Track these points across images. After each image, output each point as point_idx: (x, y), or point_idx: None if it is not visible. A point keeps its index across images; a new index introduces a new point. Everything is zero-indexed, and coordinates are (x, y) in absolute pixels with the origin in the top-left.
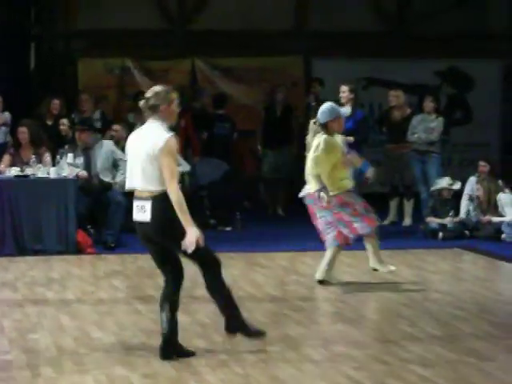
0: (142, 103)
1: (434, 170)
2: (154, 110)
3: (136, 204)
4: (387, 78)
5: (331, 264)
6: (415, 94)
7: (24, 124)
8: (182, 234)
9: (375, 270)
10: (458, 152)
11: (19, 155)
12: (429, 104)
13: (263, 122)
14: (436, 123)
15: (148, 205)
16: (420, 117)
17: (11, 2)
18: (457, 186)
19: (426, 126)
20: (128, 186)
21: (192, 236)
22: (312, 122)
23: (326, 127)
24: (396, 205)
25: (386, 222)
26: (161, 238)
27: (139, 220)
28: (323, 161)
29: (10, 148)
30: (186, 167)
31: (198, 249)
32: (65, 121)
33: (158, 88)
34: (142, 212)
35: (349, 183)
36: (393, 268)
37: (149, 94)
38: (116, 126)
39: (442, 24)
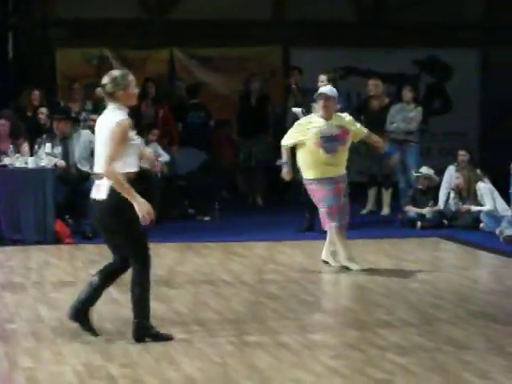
0: (99, 90)
1: (412, 159)
2: (111, 96)
3: (95, 184)
4: (365, 67)
5: (336, 245)
6: (393, 83)
7: (4, 116)
8: (132, 219)
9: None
10: (437, 141)
11: None
12: (407, 93)
13: (238, 111)
14: (415, 113)
15: (104, 184)
16: (399, 106)
17: None
18: (435, 179)
19: (405, 116)
20: (94, 169)
21: (142, 207)
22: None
23: None
24: (374, 194)
25: (364, 211)
26: (112, 219)
27: (94, 198)
28: None
29: None
30: (165, 157)
31: (137, 244)
32: (43, 110)
33: (113, 73)
34: (98, 191)
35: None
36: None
37: (105, 80)
38: (93, 116)
39: (419, 13)
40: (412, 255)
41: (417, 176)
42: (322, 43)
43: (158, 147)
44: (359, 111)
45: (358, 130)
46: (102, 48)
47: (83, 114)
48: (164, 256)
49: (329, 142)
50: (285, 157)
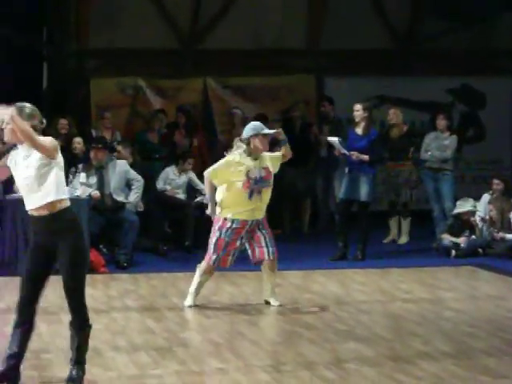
0: None
1: (447, 187)
2: None
3: None
4: (398, 96)
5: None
6: (427, 112)
7: None
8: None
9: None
10: (471, 170)
11: None
12: (441, 121)
13: None
14: (449, 141)
15: None
16: (433, 134)
17: (23, 22)
18: (478, 213)
19: (440, 144)
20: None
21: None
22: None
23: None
24: (396, 223)
25: (385, 241)
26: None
27: None
28: None
29: None
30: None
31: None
32: (78, 139)
33: None
34: None
35: None
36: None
37: None
38: (118, 147)
39: (452, 41)
40: (447, 284)
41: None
42: (355, 72)
43: (194, 176)
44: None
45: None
46: (136, 77)
47: (114, 144)
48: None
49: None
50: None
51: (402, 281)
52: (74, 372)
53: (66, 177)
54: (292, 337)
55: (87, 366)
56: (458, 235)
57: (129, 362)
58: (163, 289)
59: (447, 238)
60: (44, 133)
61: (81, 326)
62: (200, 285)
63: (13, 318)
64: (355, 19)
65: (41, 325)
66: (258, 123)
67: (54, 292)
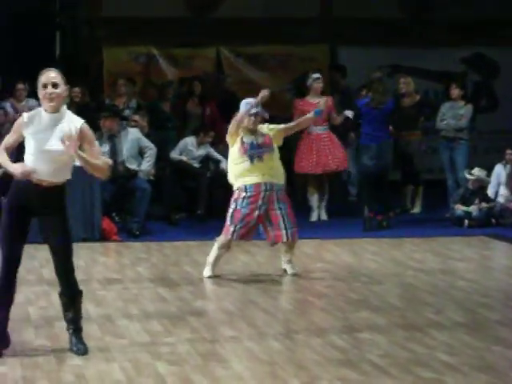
0: None
1: (461, 157)
2: None
3: None
4: (411, 65)
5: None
6: (440, 81)
7: None
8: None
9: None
10: (484, 140)
11: None
12: (454, 91)
13: None
14: (465, 110)
15: None
16: (449, 104)
17: None
18: (487, 181)
19: (455, 113)
20: None
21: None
22: None
23: None
24: (409, 192)
25: (399, 210)
26: None
27: None
28: None
29: None
30: (224, 163)
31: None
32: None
33: None
34: None
35: None
36: None
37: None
38: (135, 116)
39: (466, 10)
40: (459, 254)
41: (469, 177)
42: (368, 41)
43: (212, 150)
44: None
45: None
46: (149, 46)
47: (127, 112)
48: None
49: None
50: None
51: (415, 250)
52: (76, 341)
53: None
54: (304, 305)
55: (99, 334)
56: (469, 204)
57: (141, 330)
58: (176, 257)
59: (459, 208)
60: None
61: (74, 293)
62: (218, 258)
63: (25, 285)
64: None
65: (53, 293)
66: (250, 100)
67: None
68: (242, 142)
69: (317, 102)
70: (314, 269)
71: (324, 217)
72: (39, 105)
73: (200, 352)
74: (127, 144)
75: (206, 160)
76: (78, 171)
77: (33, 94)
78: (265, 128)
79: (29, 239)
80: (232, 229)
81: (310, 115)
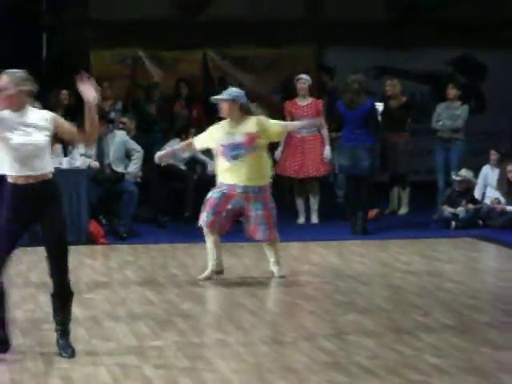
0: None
1: (456, 157)
2: None
3: None
4: (399, 67)
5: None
6: (427, 83)
7: None
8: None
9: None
10: (471, 141)
11: None
12: (451, 91)
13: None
14: (461, 110)
15: None
16: (444, 104)
17: None
18: (473, 182)
19: (452, 113)
20: None
21: None
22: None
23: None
24: (395, 194)
25: (386, 212)
26: None
27: None
28: None
29: None
30: (211, 164)
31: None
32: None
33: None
34: None
35: None
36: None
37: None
38: (123, 119)
39: (452, 12)
40: (446, 255)
41: (456, 178)
42: (354, 43)
43: (197, 152)
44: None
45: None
46: (136, 48)
47: (112, 114)
48: (197, 256)
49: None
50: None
51: (402, 252)
52: (64, 343)
53: (66, 147)
54: (292, 308)
55: (87, 337)
56: (456, 206)
57: (128, 333)
58: (163, 260)
59: (447, 209)
60: (45, 103)
61: (67, 295)
62: (211, 250)
63: (11, 289)
64: None
65: (40, 295)
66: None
67: None
68: (220, 144)
69: (304, 105)
70: (301, 271)
71: (315, 220)
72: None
73: (187, 355)
74: (114, 146)
75: (193, 162)
76: (64, 174)
77: None
78: (251, 123)
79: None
80: (204, 214)
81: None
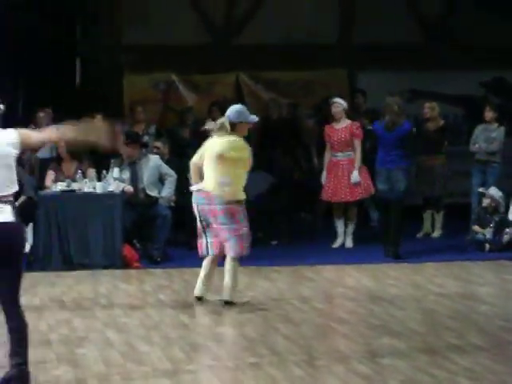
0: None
1: (492, 180)
2: None
3: None
4: (432, 89)
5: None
6: (460, 105)
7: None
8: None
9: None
10: (505, 164)
11: (61, 170)
12: (488, 113)
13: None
14: (497, 132)
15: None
16: (482, 126)
17: (57, 17)
18: (499, 202)
19: (487, 136)
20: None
21: None
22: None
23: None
24: (429, 217)
25: (419, 235)
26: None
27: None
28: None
29: (53, 163)
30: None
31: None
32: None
33: None
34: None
35: None
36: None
37: None
38: (157, 143)
39: (485, 34)
40: (480, 278)
41: (481, 193)
42: (387, 66)
43: None
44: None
45: None
46: (169, 73)
47: (146, 138)
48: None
49: None
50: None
51: (436, 275)
52: (20, 373)
53: (99, 171)
54: (326, 331)
55: (121, 361)
56: (485, 225)
57: (163, 357)
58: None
59: (477, 230)
60: None
61: (24, 327)
62: (207, 277)
63: (46, 312)
64: (387, 12)
65: (75, 319)
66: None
67: (87, 287)
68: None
69: (340, 128)
70: (335, 294)
71: (349, 244)
72: None
73: (222, 379)
74: (148, 171)
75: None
76: (98, 199)
77: (54, 121)
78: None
79: (50, 267)
80: (201, 241)
81: None
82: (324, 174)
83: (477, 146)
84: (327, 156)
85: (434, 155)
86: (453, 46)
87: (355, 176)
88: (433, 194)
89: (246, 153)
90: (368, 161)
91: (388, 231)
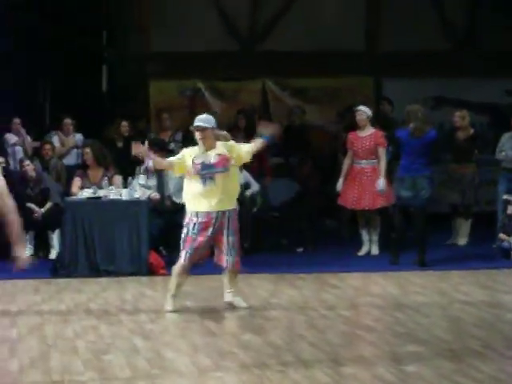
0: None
1: None
2: None
3: None
4: (457, 97)
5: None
6: (486, 113)
7: (87, 144)
8: None
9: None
10: None
11: (88, 176)
12: None
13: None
14: None
15: None
16: (508, 134)
17: (83, 25)
18: None
19: None
20: None
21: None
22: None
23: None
24: (458, 224)
25: (449, 242)
26: None
27: None
28: None
29: (79, 170)
30: (255, 187)
31: None
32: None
33: None
34: None
35: None
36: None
37: None
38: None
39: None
40: (506, 286)
41: (507, 201)
42: (413, 73)
43: (248, 175)
44: (445, 143)
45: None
46: (195, 80)
47: (172, 145)
48: (258, 287)
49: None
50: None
51: (462, 283)
52: None
53: (125, 178)
54: (351, 338)
55: (147, 368)
56: (511, 233)
57: (189, 364)
58: (222, 290)
59: (504, 239)
60: (104, 135)
61: None
62: (178, 286)
63: (72, 319)
64: (413, 20)
65: (101, 326)
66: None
67: (113, 294)
68: (193, 162)
69: (364, 136)
70: (361, 302)
71: (375, 251)
72: (86, 139)
73: None
74: (174, 178)
75: (247, 187)
76: (124, 206)
77: (80, 128)
78: (221, 147)
79: (76, 273)
80: (184, 254)
81: (260, 139)
82: (341, 180)
83: (503, 153)
84: (346, 163)
85: (464, 164)
86: (478, 54)
87: (382, 184)
88: (463, 203)
89: None
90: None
91: (403, 238)
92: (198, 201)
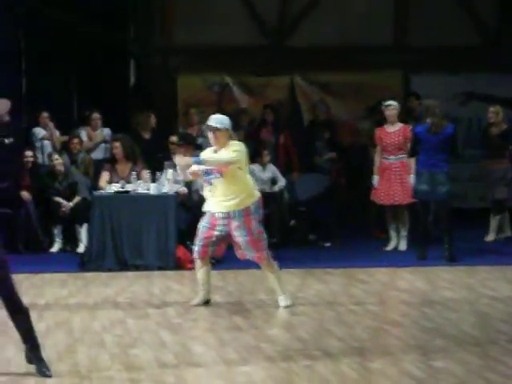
0: None
1: None
2: None
3: None
4: (486, 92)
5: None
6: None
7: (117, 139)
8: None
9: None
10: None
11: (116, 171)
12: None
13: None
14: None
15: None
16: None
17: (110, 19)
18: None
19: None
20: None
21: None
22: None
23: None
24: (496, 221)
25: (487, 239)
26: None
27: None
28: None
29: (107, 164)
30: (282, 182)
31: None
32: (174, 138)
33: None
34: None
35: None
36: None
37: None
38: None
39: None
40: None
41: None
42: (441, 68)
43: (275, 170)
44: (481, 138)
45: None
46: (223, 74)
47: (199, 140)
48: (285, 282)
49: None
50: None
51: (490, 278)
52: (37, 359)
53: (153, 173)
54: (379, 333)
55: (175, 362)
56: None
57: (217, 358)
58: (251, 285)
59: None
60: (131, 128)
61: (16, 309)
62: (201, 281)
63: (100, 313)
64: (442, 15)
65: (128, 320)
66: (212, 118)
67: (140, 288)
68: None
69: (393, 131)
70: (388, 297)
71: (403, 247)
72: (114, 134)
73: (276, 381)
74: None
75: (274, 182)
76: (152, 200)
77: (108, 122)
78: (231, 148)
79: (103, 267)
80: (195, 248)
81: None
82: (376, 177)
83: None
84: (377, 159)
85: (498, 159)
86: (508, 49)
87: (412, 179)
88: (493, 197)
89: None
90: None
91: (428, 233)
92: (207, 201)
